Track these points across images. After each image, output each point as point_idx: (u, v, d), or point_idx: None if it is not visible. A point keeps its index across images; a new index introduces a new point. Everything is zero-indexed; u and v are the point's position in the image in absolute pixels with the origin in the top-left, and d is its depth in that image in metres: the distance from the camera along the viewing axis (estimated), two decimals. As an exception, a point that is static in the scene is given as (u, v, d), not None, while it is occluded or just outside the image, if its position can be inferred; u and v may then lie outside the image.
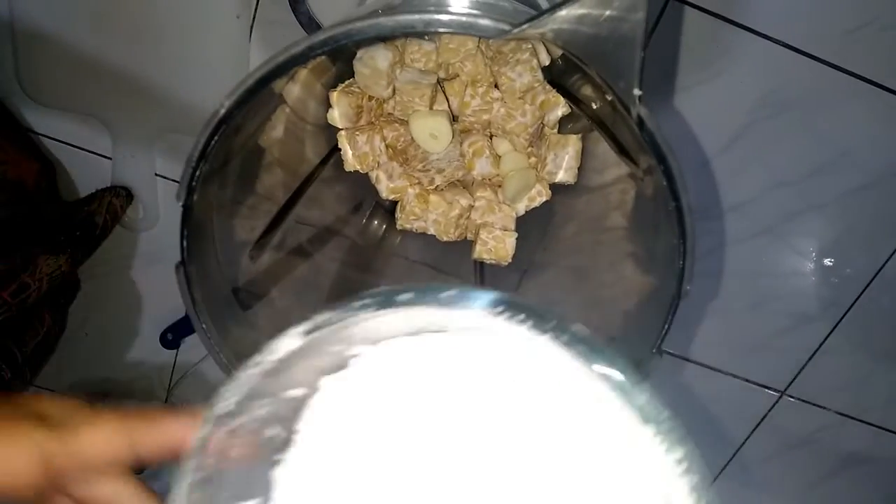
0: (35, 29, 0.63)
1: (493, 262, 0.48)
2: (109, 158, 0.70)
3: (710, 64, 0.65)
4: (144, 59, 0.65)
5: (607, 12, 0.27)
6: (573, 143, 0.47)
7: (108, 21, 0.63)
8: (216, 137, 0.31)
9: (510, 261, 0.48)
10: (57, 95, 0.67)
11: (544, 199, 0.49)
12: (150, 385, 0.86)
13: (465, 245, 0.51)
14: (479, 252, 0.48)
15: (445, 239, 0.50)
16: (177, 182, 0.73)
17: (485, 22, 0.29)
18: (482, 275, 0.49)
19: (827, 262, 0.76)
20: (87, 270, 0.73)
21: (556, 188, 0.50)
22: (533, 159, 0.49)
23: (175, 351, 0.82)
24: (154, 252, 0.77)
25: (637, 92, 0.28)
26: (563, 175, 0.48)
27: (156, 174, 0.71)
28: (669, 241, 0.32)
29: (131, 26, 0.64)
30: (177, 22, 0.64)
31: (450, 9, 0.35)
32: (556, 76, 0.46)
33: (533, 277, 0.50)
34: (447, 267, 0.52)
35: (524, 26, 0.28)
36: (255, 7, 0.64)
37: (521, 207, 0.49)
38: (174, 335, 0.79)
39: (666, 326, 0.34)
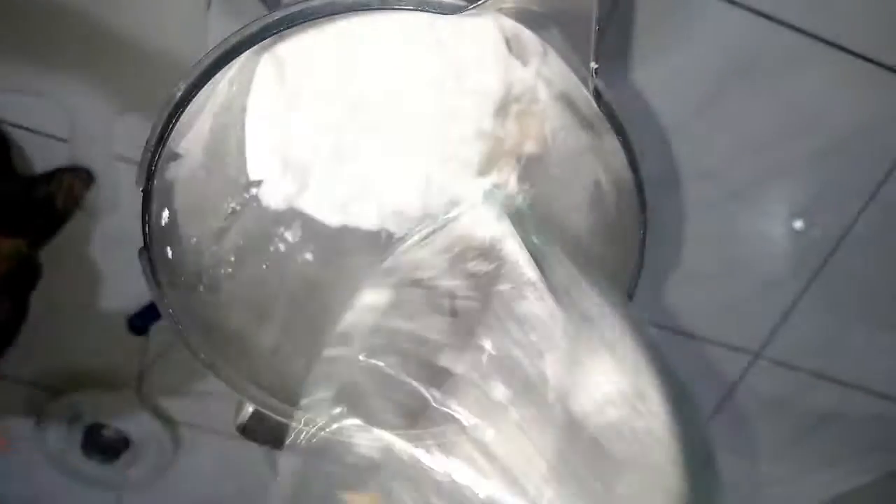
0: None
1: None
2: (65, 141, 0.69)
3: (677, 31, 0.65)
4: (99, 37, 0.63)
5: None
6: (538, 115, 0.47)
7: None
8: (173, 121, 0.30)
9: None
10: (7, 75, 0.65)
11: (513, 171, 0.49)
12: (122, 372, 0.85)
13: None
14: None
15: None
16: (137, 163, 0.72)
17: (440, -3, 0.29)
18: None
19: (797, 224, 0.77)
20: (49, 255, 0.72)
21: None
22: (500, 131, 0.49)
23: (144, 337, 0.81)
24: (116, 235, 0.75)
25: (593, 65, 0.29)
26: (531, 146, 0.48)
27: (115, 155, 0.70)
28: (632, 213, 0.32)
29: (83, 1, 0.62)
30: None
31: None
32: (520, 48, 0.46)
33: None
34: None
35: (480, 1, 0.28)
36: (212, -21, 0.63)
37: (489, 182, 0.49)
38: (142, 321, 0.78)
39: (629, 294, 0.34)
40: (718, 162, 0.73)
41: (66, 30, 0.63)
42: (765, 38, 0.66)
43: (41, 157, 0.70)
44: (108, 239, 0.75)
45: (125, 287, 0.78)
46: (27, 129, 0.69)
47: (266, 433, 0.41)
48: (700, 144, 0.72)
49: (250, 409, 0.40)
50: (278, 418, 0.38)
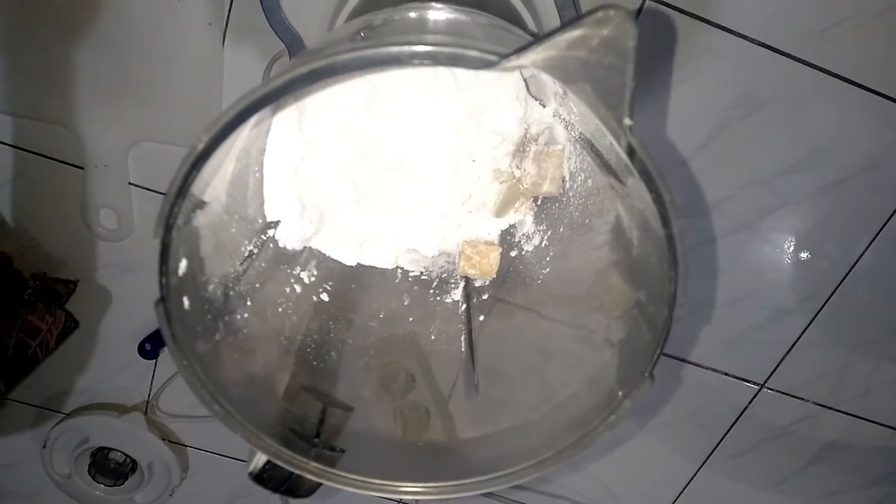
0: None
1: (477, 277, 0.48)
2: (81, 168, 0.68)
3: (686, 63, 0.65)
4: (115, 67, 0.63)
5: (596, 41, 0.27)
6: (556, 156, 0.46)
7: (76, 28, 0.62)
8: (194, 173, 0.30)
9: (494, 276, 0.48)
10: (24, 104, 0.65)
11: (529, 211, 0.49)
12: (130, 396, 0.85)
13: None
14: (464, 268, 0.47)
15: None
16: (151, 190, 0.71)
17: (472, 53, 0.28)
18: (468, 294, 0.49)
19: (803, 256, 0.77)
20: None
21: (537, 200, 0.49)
22: (517, 171, 0.48)
23: (154, 361, 0.81)
24: (129, 262, 0.75)
25: (628, 122, 0.28)
26: (548, 186, 0.47)
27: (129, 183, 0.70)
28: (659, 263, 0.32)
29: (100, 33, 0.62)
30: (148, 29, 0.62)
31: (429, 35, 0.34)
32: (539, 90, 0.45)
33: (521, 289, 0.49)
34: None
35: (512, 56, 0.27)
36: (228, 13, 0.62)
37: (505, 221, 0.49)
38: (152, 345, 0.78)
39: (658, 351, 0.33)
40: (726, 193, 0.72)
41: (85, 60, 0.63)
42: (775, 72, 0.66)
43: (56, 185, 0.70)
44: (121, 265, 0.75)
45: (135, 312, 0.78)
46: (45, 156, 0.69)
47: (279, 482, 0.40)
48: (708, 176, 0.71)
49: (264, 457, 0.39)
50: (291, 469, 0.37)
